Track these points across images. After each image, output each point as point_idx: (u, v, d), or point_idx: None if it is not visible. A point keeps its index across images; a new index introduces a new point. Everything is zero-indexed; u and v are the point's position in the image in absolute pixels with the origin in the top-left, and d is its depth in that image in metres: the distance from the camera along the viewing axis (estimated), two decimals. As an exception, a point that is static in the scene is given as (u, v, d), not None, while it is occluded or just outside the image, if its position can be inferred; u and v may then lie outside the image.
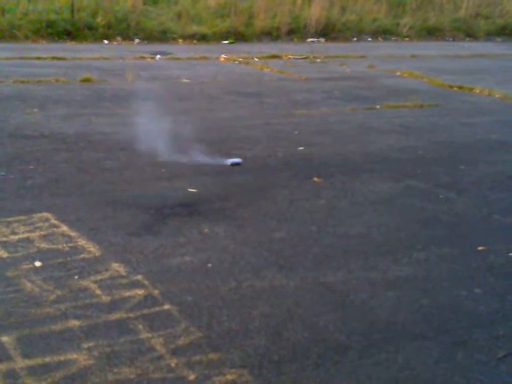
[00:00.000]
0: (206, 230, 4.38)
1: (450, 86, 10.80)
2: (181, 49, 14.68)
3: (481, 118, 8.56)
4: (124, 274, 3.70)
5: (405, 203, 5.13)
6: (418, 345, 3.13)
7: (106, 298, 3.42)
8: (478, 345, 3.16)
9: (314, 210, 4.88)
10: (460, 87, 10.72)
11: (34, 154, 5.98)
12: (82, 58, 12.41)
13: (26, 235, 4.17)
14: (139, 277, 3.67)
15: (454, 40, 19.13)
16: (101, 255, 3.93)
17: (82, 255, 3.92)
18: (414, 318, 3.38)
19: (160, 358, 2.92)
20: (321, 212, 4.84)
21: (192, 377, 2.79)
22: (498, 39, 19.69)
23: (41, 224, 4.37)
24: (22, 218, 4.46)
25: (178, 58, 13.10)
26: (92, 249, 4.01)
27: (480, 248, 4.30)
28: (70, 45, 14.60)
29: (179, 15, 16.70)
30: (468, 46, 17.60)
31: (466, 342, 3.18)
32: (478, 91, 10.44)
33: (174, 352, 2.97)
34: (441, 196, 5.32)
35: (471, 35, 19.68)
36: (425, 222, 4.74)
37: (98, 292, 3.48)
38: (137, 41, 15.62)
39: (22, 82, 9.55)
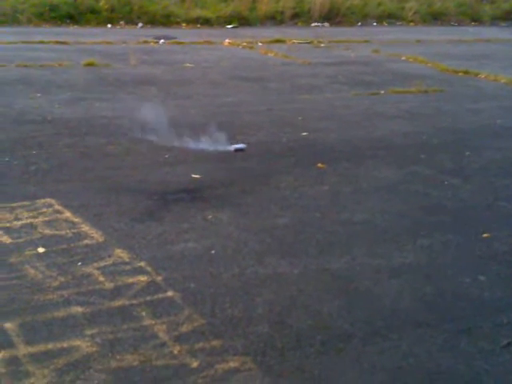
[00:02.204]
0: (210, 217, 4.37)
1: (455, 71, 10.74)
2: (184, 33, 14.62)
3: (486, 103, 8.51)
4: (127, 260, 3.69)
5: (409, 189, 5.10)
6: (421, 332, 3.12)
7: (109, 285, 3.41)
8: (482, 333, 3.15)
9: (317, 196, 4.86)
10: (465, 72, 10.66)
11: (37, 139, 5.96)
12: (86, 42, 12.37)
13: (29, 221, 4.17)
14: (142, 263, 3.66)
15: (459, 25, 19.03)
16: (104, 241, 3.92)
17: (86, 241, 3.91)
18: (417, 305, 3.36)
19: (163, 345, 2.92)
20: (324, 198, 4.82)
21: (195, 364, 2.79)
22: (503, 24, 19.58)
23: (44, 210, 4.36)
24: (26, 203, 4.45)
25: (182, 43, 13.05)
26: (95, 235, 4.00)
27: (485, 235, 4.28)
28: (72, 29, 14.56)
29: (183, -1, 16.63)
30: (473, 31, 17.50)
31: (469, 329, 3.17)
32: (483, 76, 10.38)
33: (177, 339, 2.96)
34: (445, 182, 5.29)
35: (476, 20, 19.59)
36: (429, 209, 4.72)
37: (101, 278, 3.48)
38: (140, 25, 15.56)
39: (25, 66, 9.53)
